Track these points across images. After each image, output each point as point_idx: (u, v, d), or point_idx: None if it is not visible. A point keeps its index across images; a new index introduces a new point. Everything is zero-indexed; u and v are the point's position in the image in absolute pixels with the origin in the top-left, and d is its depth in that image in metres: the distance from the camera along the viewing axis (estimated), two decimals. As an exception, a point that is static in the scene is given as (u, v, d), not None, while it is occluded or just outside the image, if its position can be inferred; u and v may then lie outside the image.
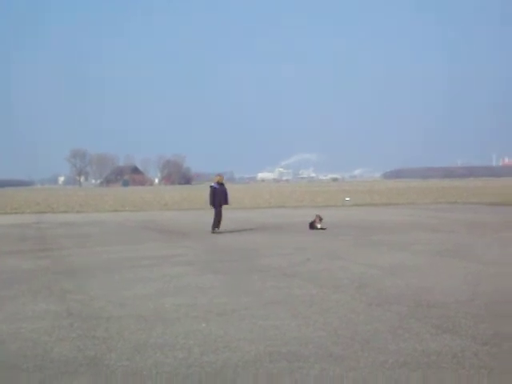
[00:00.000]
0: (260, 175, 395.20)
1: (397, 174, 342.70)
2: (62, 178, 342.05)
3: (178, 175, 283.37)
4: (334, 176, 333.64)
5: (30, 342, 9.37)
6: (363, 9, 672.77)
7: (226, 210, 47.14)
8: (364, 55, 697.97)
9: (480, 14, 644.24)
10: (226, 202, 28.89)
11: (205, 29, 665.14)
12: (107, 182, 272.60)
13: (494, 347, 8.58)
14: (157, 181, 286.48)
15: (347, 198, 53.27)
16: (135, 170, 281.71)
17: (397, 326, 9.84)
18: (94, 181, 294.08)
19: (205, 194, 36.69)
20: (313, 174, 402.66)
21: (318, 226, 28.67)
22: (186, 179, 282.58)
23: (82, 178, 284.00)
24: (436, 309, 11.03)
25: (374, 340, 9.03)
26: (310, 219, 29.48)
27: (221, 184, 28.70)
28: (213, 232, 27.76)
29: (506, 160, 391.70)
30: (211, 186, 28.86)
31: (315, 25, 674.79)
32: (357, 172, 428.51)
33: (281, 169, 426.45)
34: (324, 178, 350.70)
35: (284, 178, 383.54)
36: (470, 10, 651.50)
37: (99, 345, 9.09)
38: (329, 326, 9.92)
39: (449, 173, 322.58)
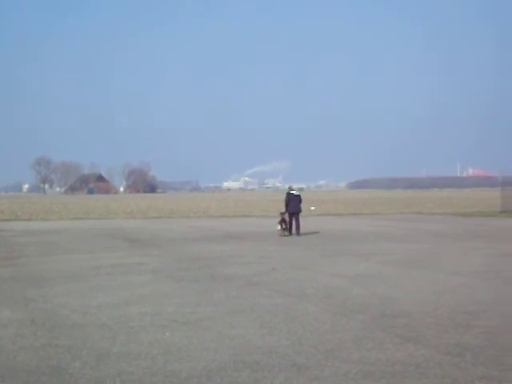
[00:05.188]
0: (225, 184, 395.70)
1: (362, 185, 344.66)
2: (26, 186, 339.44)
3: (143, 183, 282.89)
4: (300, 186, 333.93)
5: (-7, 350, 9.28)
6: (325, 19, 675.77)
7: (190, 219, 47.17)
8: (330, 66, 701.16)
9: (450, 30, 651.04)
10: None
11: (176, 37, 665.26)
12: (72, 189, 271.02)
13: (457, 357, 8.64)
14: (122, 189, 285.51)
15: (312, 208, 53.47)
16: (100, 178, 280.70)
17: (361, 335, 9.88)
18: (58, 189, 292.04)
19: (170, 202, 36.50)
20: (278, 184, 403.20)
21: (278, 227, 30.77)
22: (152, 187, 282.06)
23: (47, 186, 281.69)
24: (400, 318, 11.09)
25: (338, 349, 9.05)
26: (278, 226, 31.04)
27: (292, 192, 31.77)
28: (296, 234, 30.71)
29: (471, 171, 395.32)
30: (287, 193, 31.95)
31: (287, 32, 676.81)
32: (322, 182, 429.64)
33: (246, 178, 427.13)
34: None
35: (249, 187, 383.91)
36: (447, 26, 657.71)
37: (62, 353, 9.01)
38: (293, 335, 9.93)
39: (413, 183, 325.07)
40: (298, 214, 31.23)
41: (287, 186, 33.40)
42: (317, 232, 32.93)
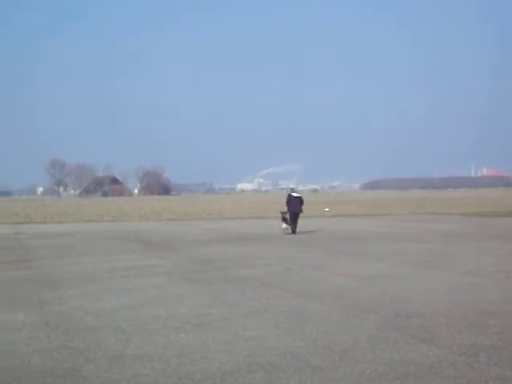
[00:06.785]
0: (239, 186, 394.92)
1: (375, 185, 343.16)
2: (40, 189, 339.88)
3: (157, 186, 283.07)
4: (314, 187, 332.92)
5: (8, 353, 9.32)
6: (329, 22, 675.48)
7: (204, 221, 47.22)
8: (338, 66, 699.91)
9: (459, 29, 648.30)
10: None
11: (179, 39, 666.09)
12: (86, 192, 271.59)
13: (471, 357, 8.62)
14: (136, 191, 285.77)
15: (326, 209, 53.40)
16: (114, 181, 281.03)
17: (375, 335, 9.88)
18: (73, 191, 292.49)
19: (184, 204, 36.62)
20: (292, 185, 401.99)
21: (283, 225, 32.63)
22: (166, 189, 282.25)
23: (61, 189, 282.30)
24: (413, 319, 11.07)
25: (353, 350, 9.05)
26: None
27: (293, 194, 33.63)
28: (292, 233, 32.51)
29: (485, 171, 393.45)
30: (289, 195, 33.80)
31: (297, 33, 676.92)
32: (336, 183, 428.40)
33: (260, 179, 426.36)
34: (304, 188, 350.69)
35: (264, 189, 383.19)
36: (448, 29, 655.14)
37: (77, 356, 9.05)
38: (307, 336, 9.93)
39: (427, 183, 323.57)
40: (298, 214, 32.89)
41: (291, 187, 35.36)
42: (331, 233, 32.97)
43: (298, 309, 12.21)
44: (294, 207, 32.63)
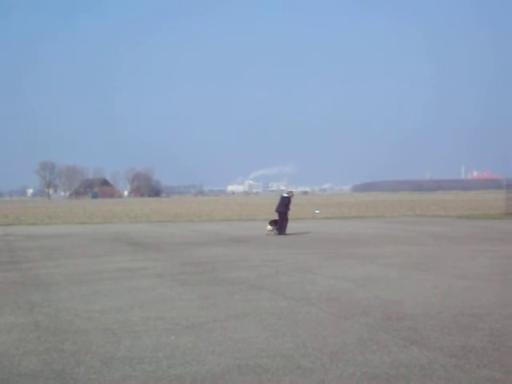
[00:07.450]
0: (230, 188, 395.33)
1: (366, 187, 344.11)
2: (30, 191, 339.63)
3: (147, 188, 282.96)
4: (305, 189, 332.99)
5: (-3, 355, 9.28)
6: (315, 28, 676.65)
7: (194, 223, 47.17)
8: (333, 68, 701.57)
9: (453, 31, 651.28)
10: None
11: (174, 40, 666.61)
12: (76, 194, 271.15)
13: (462, 359, 8.62)
14: (126, 193, 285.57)
15: (317, 211, 53.49)
16: (104, 183, 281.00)
17: (365, 338, 9.86)
18: (63, 193, 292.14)
19: (174, 206, 36.55)
20: (283, 187, 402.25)
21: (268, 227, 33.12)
22: (156, 192, 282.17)
23: (51, 191, 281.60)
24: (404, 321, 11.06)
25: (343, 352, 9.04)
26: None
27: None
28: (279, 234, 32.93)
29: (475, 173, 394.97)
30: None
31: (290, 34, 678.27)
32: (326, 185, 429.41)
33: (251, 181, 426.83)
34: (294, 190, 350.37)
35: (254, 191, 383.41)
36: (442, 30, 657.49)
37: (67, 358, 9.01)
38: (297, 338, 9.91)
39: (418, 186, 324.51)
40: (282, 213, 33.34)
41: (283, 189, 35.84)
42: (322, 235, 32.95)
43: (288, 311, 12.18)
44: (277, 207, 33.54)
